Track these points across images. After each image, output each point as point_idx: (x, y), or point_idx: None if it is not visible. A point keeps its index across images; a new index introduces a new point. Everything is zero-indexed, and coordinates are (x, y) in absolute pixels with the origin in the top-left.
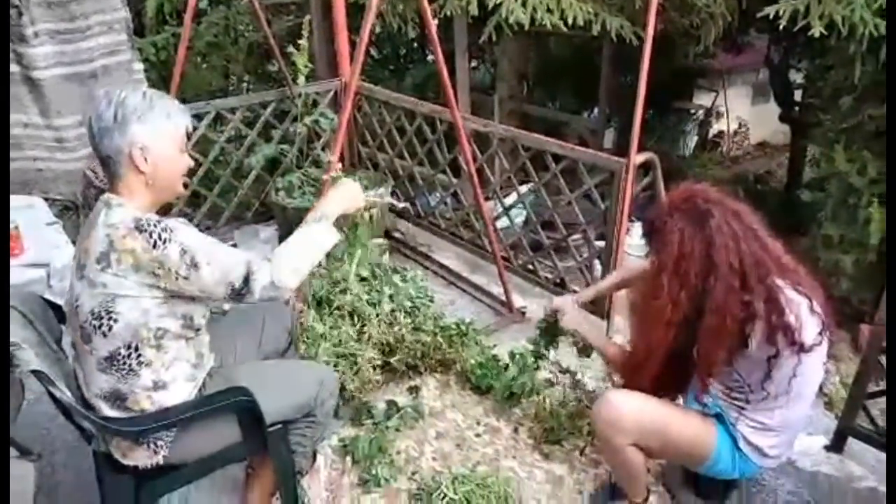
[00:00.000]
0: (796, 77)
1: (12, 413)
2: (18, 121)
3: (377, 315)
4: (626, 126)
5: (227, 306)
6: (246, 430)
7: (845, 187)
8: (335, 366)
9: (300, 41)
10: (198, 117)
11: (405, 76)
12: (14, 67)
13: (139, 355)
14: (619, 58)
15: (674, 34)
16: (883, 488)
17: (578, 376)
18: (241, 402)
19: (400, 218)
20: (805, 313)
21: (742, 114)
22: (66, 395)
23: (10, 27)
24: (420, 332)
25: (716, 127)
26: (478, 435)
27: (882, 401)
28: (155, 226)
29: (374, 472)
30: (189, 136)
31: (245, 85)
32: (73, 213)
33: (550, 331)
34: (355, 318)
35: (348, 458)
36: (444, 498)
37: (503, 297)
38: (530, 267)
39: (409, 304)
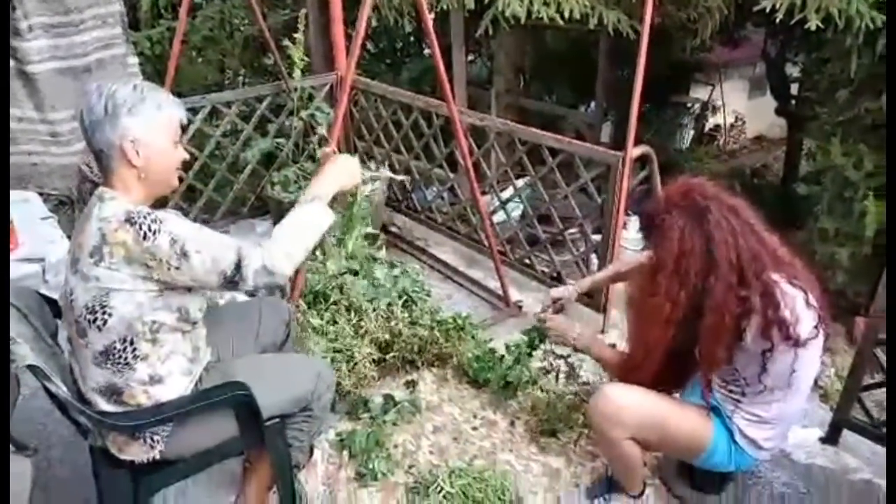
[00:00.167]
0: (793, 70)
1: None
2: (13, 115)
3: (374, 309)
4: (623, 120)
5: (221, 300)
6: (243, 425)
7: (841, 181)
8: (332, 361)
9: (296, 35)
10: (193, 111)
11: (401, 70)
12: None
13: (134, 349)
14: (615, 51)
15: (670, 28)
16: (878, 480)
17: (572, 360)
18: (237, 397)
19: (397, 212)
20: (801, 307)
21: (738, 107)
22: (61, 389)
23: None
24: (417, 327)
25: (712, 121)
26: (475, 428)
27: (877, 393)
28: (145, 217)
29: (371, 466)
30: (184, 129)
31: (241, 79)
32: (68, 207)
33: (540, 335)
34: (352, 313)
35: (345, 453)
36: (440, 491)
37: (500, 292)
38: (527, 261)
39: (405, 298)
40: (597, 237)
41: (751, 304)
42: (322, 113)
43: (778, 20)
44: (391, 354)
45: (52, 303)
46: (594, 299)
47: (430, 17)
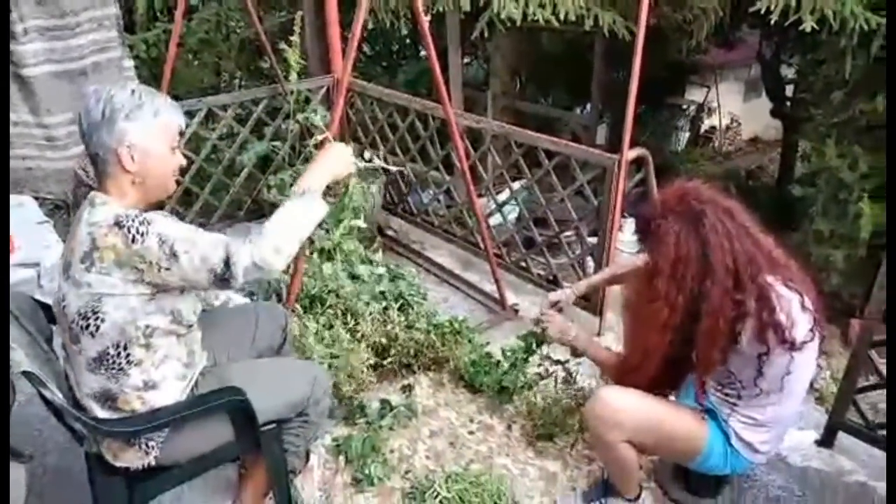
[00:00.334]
0: (788, 72)
1: None
2: None
3: (370, 313)
4: (619, 121)
5: (216, 301)
6: (239, 430)
7: (836, 182)
8: (329, 366)
9: (292, 38)
10: (189, 114)
11: (398, 73)
12: None
13: (128, 354)
14: (611, 53)
15: (666, 29)
16: (873, 483)
17: (570, 366)
18: (233, 402)
19: (393, 215)
20: (796, 310)
21: (734, 109)
22: (56, 395)
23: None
24: (413, 330)
25: (708, 122)
26: (471, 433)
27: (872, 395)
28: (133, 220)
29: (367, 471)
30: (182, 134)
31: (237, 82)
32: (64, 211)
33: (538, 340)
34: (348, 317)
35: (342, 458)
36: (437, 496)
37: (496, 295)
38: (523, 264)
39: (401, 302)
40: (593, 240)
41: (746, 308)
42: (318, 115)
43: (773, 22)
44: (388, 360)
45: (46, 308)
46: (590, 302)
47: (425, 20)
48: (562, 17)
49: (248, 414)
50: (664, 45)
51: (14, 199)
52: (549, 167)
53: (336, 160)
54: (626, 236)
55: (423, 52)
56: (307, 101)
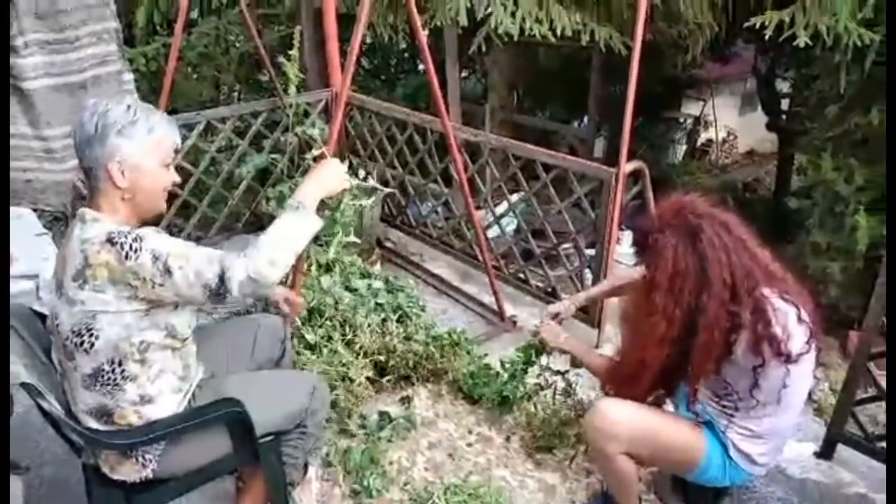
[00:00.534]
0: (783, 86)
1: None
2: None
3: (368, 325)
4: (616, 135)
5: (215, 315)
6: (237, 442)
7: (832, 195)
8: (328, 378)
9: (291, 51)
10: (188, 127)
11: (396, 86)
12: None
13: (123, 370)
14: (608, 67)
15: (662, 44)
16: (872, 495)
17: (570, 376)
18: (231, 414)
19: (392, 227)
20: (792, 323)
21: (730, 122)
22: (54, 407)
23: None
24: (412, 342)
25: (704, 136)
26: (470, 444)
27: (871, 407)
28: (126, 237)
29: (366, 483)
30: (177, 151)
31: (236, 95)
32: (63, 223)
33: (537, 350)
34: (346, 329)
35: (340, 469)
36: None
37: (495, 306)
38: (521, 276)
39: (400, 313)
40: (591, 252)
41: (741, 320)
42: (318, 129)
43: (768, 37)
44: (387, 373)
45: (45, 319)
46: (589, 315)
47: (424, 35)
48: (558, 32)
49: (246, 426)
50: (660, 59)
51: (13, 210)
52: (547, 180)
53: (329, 176)
54: (623, 248)
55: (421, 67)
56: (306, 114)
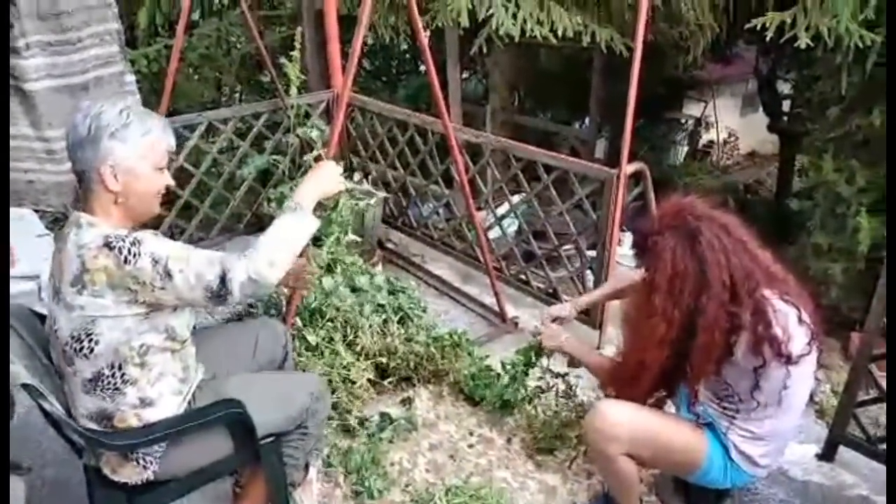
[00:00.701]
0: (784, 88)
1: None
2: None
3: (370, 326)
4: (617, 136)
5: (218, 315)
6: (238, 443)
7: (833, 196)
8: (329, 381)
9: (292, 53)
10: (190, 128)
11: (397, 87)
12: None
13: (123, 374)
14: (609, 68)
15: (663, 45)
16: (874, 497)
17: (570, 378)
18: (232, 415)
19: (393, 229)
20: (793, 324)
21: (731, 124)
22: (56, 407)
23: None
24: (413, 343)
25: (705, 137)
26: (471, 446)
27: (872, 409)
28: (124, 241)
29: (367, 484)
30: (171, 155)
31: (237, 96)
32: (64, 224)
33: (536, 352)
34: (348, 330)
35: (341, 470)
36: None
37: (496, 308)
38: (522, 277)
39: (401, 314)
40: (592, 253)
41: (741, 321)
42: (318, 130)
43: (769, 38)
44: (388, 374)
45: (46, 320)
46: (590, 316)
47: (425, 36)
48: (559, 33)
49: (247, 426)
50: (661, 60)
51: (14, 211)
52: (548, 181)
53: (326, 178)
54: (625, 250)
55: (422, 68)
56: (307, 115)
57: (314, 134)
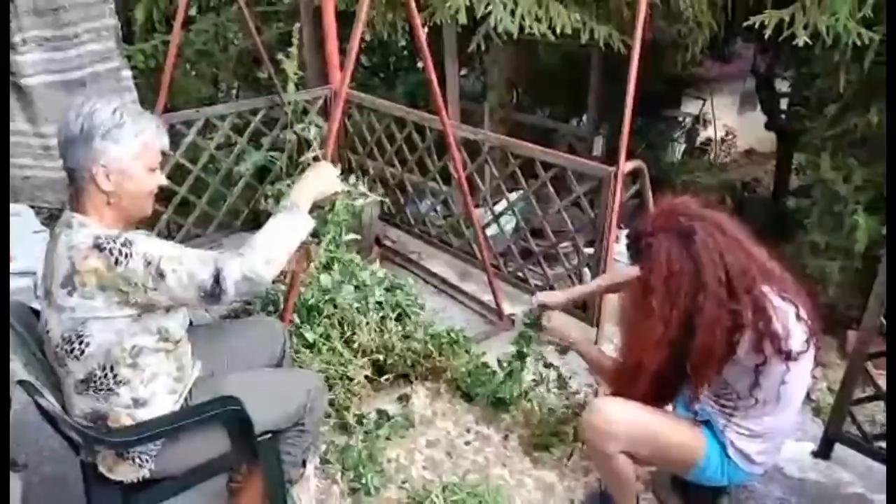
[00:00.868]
0: (782, 86)
1: None
2: None
3: (367, 323)
4: (615, 134)
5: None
6: (235, 440)
7: (831, 194)
8: (326, 378)
9: (290, 49)
10: (187, 124)
11: (395, 84)
12: None
13: (115, 375)
14: (607, 66)
15: (661, 43)
16: (871, 495)
17: (563, 371)
18: (229, 412)
19: (390, 226)
20: (792, 321)
21: (729, 121)
22: (52, 404)
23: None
24: (410, 340)
25: (703, 134)
26: (468, 443)
27: (869, 406)
28: (114, 242)
29: (364, 480)
30: (164, 154)
31: (234, 92)
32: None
33: (533, 329)
34: (345, 327)
35: (338, 467)
36: None
37: (493, 305)
38: (520, 274)
39: (399, 311)
40: (589, 251)
41: (743, 319)
42: (316, 127)
43: (767, 36)
44: (385, 376)
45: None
46: (587, 313)
47: (423, 32)
48: (558, 30)
49: (244, 424)
50: (660, 58)
51: (11, 208)
52: (546, 178)
53: (322, 179)
54: (622, 247)
55: (420, 65)
56: (305, 111)
57: (312, 131)
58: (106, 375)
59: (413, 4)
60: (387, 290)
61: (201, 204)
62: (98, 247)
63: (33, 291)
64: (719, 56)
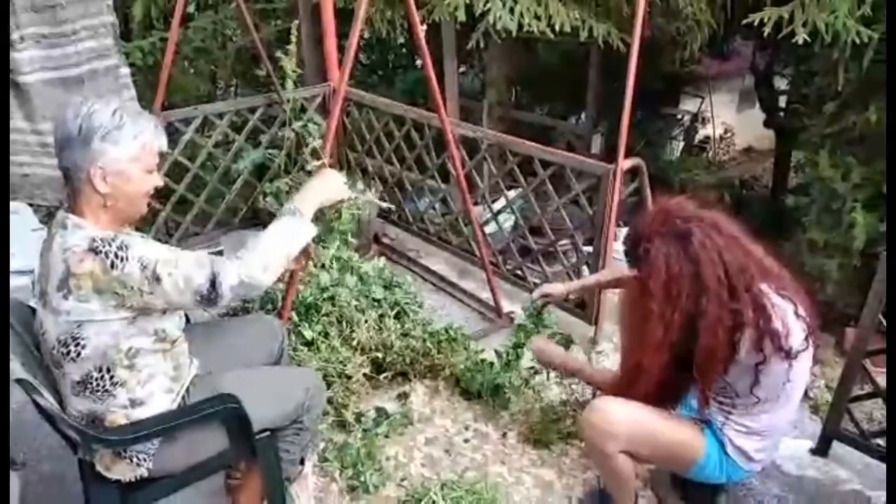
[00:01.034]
0: (781, 83)
1: None
2: None
3: (365, 321)
4: (614, 131)
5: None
6: (233, 438)
7: (829, 192)
8: (324, 376)
9: (288, 46)
10: (185, 122)
11: (394, 82)
12: None
13: (112, 376)
14: (606, 64)
15: (660, 40)
16: (868, 492)
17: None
18: (227, 410)
19: (389, 223)
20: (791, 319)
21: (728, 119)
22: (50, 403)
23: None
24: (409, 338)
25: (702, 132)
26: (466, 440)
27: (866, 404)
28: (110, 245)
29: (362, 478)
30: (163, 155)
31: (233, 90)
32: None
33: (534, 320)
34: (343, 324)
35: (337, 465)
36: None
37: (492, 303)
38: (519, 272)
39: (397, 309)
40: (588, 248)
41: (743, 318)
42: (314, 124)
43: (766, 34)
44: (384, 374)
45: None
46: (586, 311)
47: (422, 30)
48: (557, 28)
49: (242, 422)
50: (658, 55)
51: (10, 205)
52: (545, 176)
53: (328, 186)
54: (620, 245)
55: (419, 62)
56: (303, 109)
57: (310, 128)
58: (102, 377)
59: (412, 2)
60: (385, 287)
61: (199, 202)
62: (94, 250)
63: (31, 290)
64: (718, 54)
